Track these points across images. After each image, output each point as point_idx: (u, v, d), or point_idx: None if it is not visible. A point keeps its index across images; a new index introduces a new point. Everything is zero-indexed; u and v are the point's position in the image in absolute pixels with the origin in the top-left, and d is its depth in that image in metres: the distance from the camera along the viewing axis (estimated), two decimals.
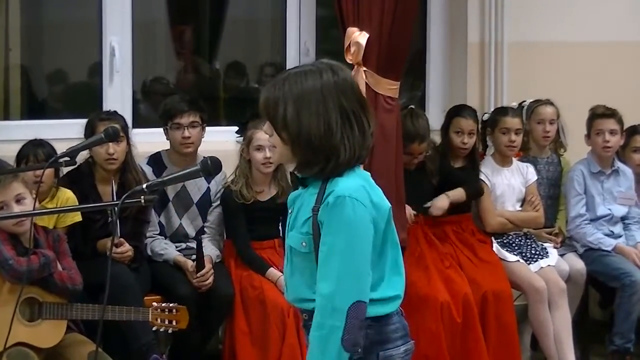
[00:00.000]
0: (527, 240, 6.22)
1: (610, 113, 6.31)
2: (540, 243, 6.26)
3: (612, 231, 6.35)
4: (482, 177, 6.18)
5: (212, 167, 3.35)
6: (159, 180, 3.39)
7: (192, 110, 5.71)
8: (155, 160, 5.82)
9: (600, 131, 6.30)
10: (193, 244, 5.69)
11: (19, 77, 6.70)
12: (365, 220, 3.14)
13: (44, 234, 5.07)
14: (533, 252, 6.15)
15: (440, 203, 6.02)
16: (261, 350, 5.44)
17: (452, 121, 6.17)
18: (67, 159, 4.20)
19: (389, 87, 5.60)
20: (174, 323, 5.18)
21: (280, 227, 5.69)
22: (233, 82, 7.35)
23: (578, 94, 6.73)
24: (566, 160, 6.55)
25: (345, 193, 3.13)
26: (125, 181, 5.52)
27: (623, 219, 6.42)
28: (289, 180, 5.65)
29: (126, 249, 5.42)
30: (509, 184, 6.23)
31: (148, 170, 5.71)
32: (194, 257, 5.59)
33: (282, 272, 5.21)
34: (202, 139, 5.76)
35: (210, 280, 5.53)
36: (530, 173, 6.28)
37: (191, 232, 5.82)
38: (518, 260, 6.09)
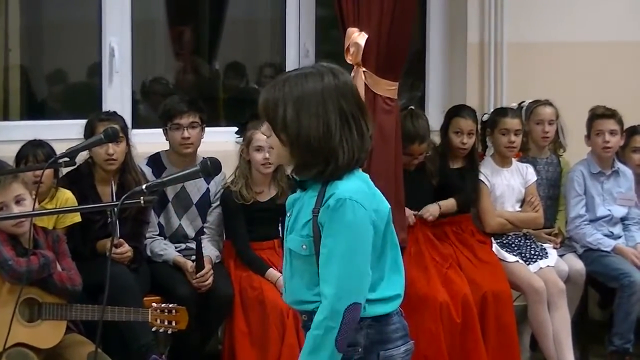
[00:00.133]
0: (527, 241, 6.22)
1: (610, 113, 6.31)
2: (540, 243, 6.26)
3: (611, 232, 6.35)
4: (481, 177, 6.18)
5: (211, 167, 3.35)
6: (159, 180, 3.39)
7: (192, 110, 5.71)
8: (155, 160, 5.82)
9: (600, 132, 6.30)
10: (192, 245, 5.70)
11: (18, 77, 6.70)
12: (365, 222, 3.15)
13: (43, 234, 5.07)
14: (532, 252, 6.15)
15: (432, 210, 6.03)
16: (260, 350, 5.44)
17: (451, 121, 6.17)
18: (66, 159, 4.20)
19: (387, 88, 5.60)
20: (173, 324, 5.18)
21: (280, 228, 5.69)
22: (232, 82, 7.35)
23: (578, 94, 6.73)
24: (565, 161, 6.55)
25: (346, 195, 3.14)
26: (124, 182, 5.52)
27: (623, 219, 6.42)
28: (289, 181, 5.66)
29: (126, 249, 5.42)
30: (508, 185, 6.23)
31: (147, 171, 5.71)
32: (193, 257, 5.59)
33: (281, 273, 5.21)
34: (202, 140, 5.76)
35: (210, 280, 5.53)
36: (529, 174, 6.28)
37: (190, 232, 5.82)
38: (517, 261, 6.09)
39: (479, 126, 6.28)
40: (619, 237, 6.35)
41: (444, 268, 5.89)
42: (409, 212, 5.92)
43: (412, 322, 5.54)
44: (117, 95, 6.22)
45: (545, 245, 6.27)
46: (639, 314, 6.16)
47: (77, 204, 5.41)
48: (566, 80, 6.83)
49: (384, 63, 5.56)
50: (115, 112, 5.68)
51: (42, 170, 4.72)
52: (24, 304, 4.88)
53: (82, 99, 6.76)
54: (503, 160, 6.24)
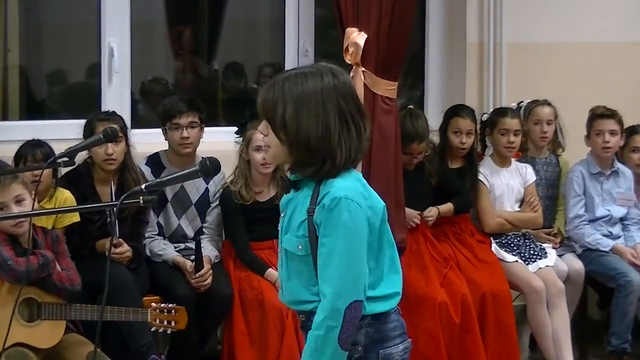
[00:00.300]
0: (526, 241, 6.23)
1: (610, 113, 6.31)
2: (539, 243, 6.26)
3: (610, 232, 6.35)
4: (480, 177, 6.18)
5: (210, 167, 3.35)
6: (158, 180, 3.38)
7: (191, 110, 5.71)
8: (154, 160, 5.82)
9: (600, 132, 6.30)
10: (192, 245, 5.70)
11: (17, 77, 6.70)
12: (362, 220, 3.16)
13: (42, 234, 5.07)
14: (532, 252, 6.15)
15: (432, 213, 6.02)
16: (260, 350, 5.44)
17: (450, 121, 6.17)
18: (65, 159, 4.20)
19: (387, 88, 5.60)
20: (172, 323, 5.18)
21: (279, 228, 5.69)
22: (232, 82, 7.36)
23: (577, 94, 6.72)
24: (564, 161, 6.55)
25: (341, 194, 3.14)
26: (124, 181, 5.51)
27: (622, 219, 6.42)
28: None
29: (125, 249, 5.42)
30: (507, 185, 6.23)
31: (147, 171, 5.72)
32: (192, 257, 5.59)
33: None
34: (201, 140, 5.77)
35: (209, 280, 5.53)
36: (529, 174, 6.28)
37: (190, 232, 5.82)
38: (517, 261, 6.09)
39: (479, 126, 6.29)
40: (618, 237, 6.35)
41: (443, 268, 5.89)
42: (414, 213, 5.91)
43: (412, 322, 5.57)
44: (117, 95, 6.22)
45: (544, 245, 6.27)
46: (637, 314, 6.17)
47: (76, 204, 5.41)
48: (565, 80, 6.83)
49: (384, 63, 5.56)
50: (114, 112, 5.68)
51: (41, 170, 4.73)
52: (23, 304, 4.88)
53: (82, 99, 6.76)
54: (502, 160, 6.24)
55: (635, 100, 6.84)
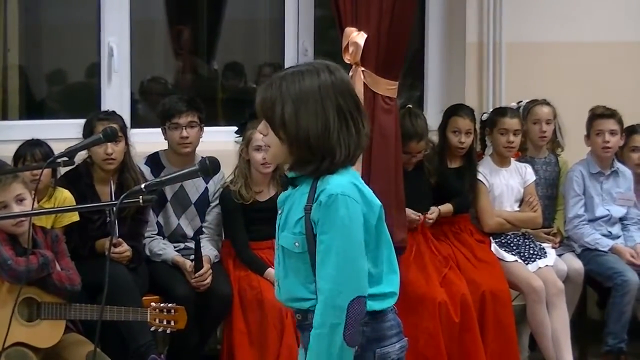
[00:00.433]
0: (526, 240, 6.23)
1: (610, 113, 6.31)
2: (539, 243, 6.26)
3: (610, 232, 6.35)
4: (480, 177, 6.18)
5: (210, 167, 3.35)
6: (158, 180, 3.38)
7: (190, 110, 5.72)
8: (153, 160, 5.82)
9: (600, 131, 6.30)
10: (191, 244, 5.69)
11: (17, 77, 6.70)
12: (359, 215, 3.16)
13: (42, 234, 5.07)
14: (531, 252, 6.15)
15: (433, 215, 6.02)
16: (259, 350, 5.44)
17: (449, 120, 6.17)
18: (65, 159, 4.20)
19: (387, 87, 5.60)
20: (172, 323, 5.18)
21: None
22: (231, 82, 7.36)
23: (577, 94, 6.73)
24: (564, 160, 6.55)
25: (338, 191, 3.15)
26: (123, 181, 5.52)
27: (622, 219, 6.42)
28: None
29: (124, 249, 5.42)
30: (507, 185, 6.23)
31: (146, 170, 5.72)
32: (192, 257, 5.59)
33: None
34: (200, 139, 5.77)
35: (209, 280, 5.53)
36: (528, 174, 6.28)
37: (189, 232, 5.82)
38: (516, 260, 6.09)
39: (479, 126, 6.29)
40: (618, 237, 6.35)
41: (442, 267, 5.89)
42: (413, 216, 5.90)
43: (411, 321, 5.59)
44: (116, 95, 6.22)
45: (544, 244, 6.27)
46: (635, 313, 6.17)
47: (75, 204, 5.41)
48: (565, 80, 6.83)
49: (384, 62, 5.56)
50: (114, 112, 5.68)
51: (41, 170, 4.73)
52: (23, 304, 4.88)
53: (81, 99, 6.76)
54: (502, 160, 6.25)
55: (635, 100, 6.84)
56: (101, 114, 5.65)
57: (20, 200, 4.91)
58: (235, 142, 5.90)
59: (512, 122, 6.16)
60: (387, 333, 3.27)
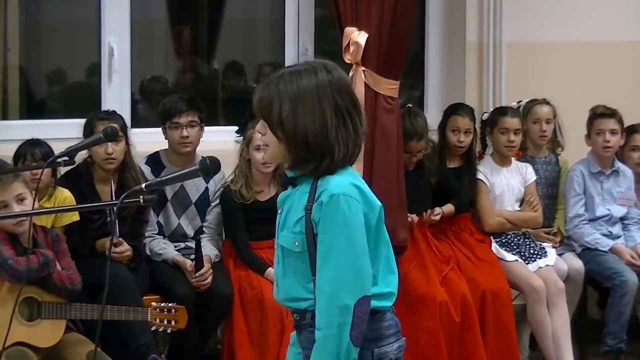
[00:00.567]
0: (526, 240, 6.23)
1: (611, 113, 6.31)
2: (539, 243, 6.26)
3: (610, 231, 6.35)
4: (481, 176, 6.18)
5: (210, 167, 3.35)
6: (158, 179, 3.39)
7: (191, 109, 5.72)
8: (154, 159, 5.82)
9: (600, 131, 6.30)
10: (192, 244, 5.69)
11: (17, 77, 6.70)
12: (360, 215, 3.16)
13: (42, 233, 5.07)
14: (532, 251, 6.15)
15: (437, 218, 6.02)
16: (259, 350, 5.44)
17: (449, 119, 6.17)
18: (65, 158, 4.20)
19: (388, 87, 5.60)
20: (172, 323, 5.18)
21: None
22: (231, 82, 7.36)
23: (577, 94, 6.73)
24: (564, 160, 6.55)
25: (339, 191, 3.15)
26: (124, 181, 5.52)
27: (622, 219, 6.42)
28: None
29: (125, 248, 5.42)
30: (508, 184, 6.23)
31: (146, 170, 5.72)
32: (192, 256, 5.59)
33: None
34: (201, 139, 5.77)
35: (209, 280, 5.53)
36: (529, 173, 6.28)
37: (190, 231, 5.82)
38: (516, 260, 6.09)
39: (479, 125, 6.29)
40: (618, 236, 6.35)
41: (443, 267, 5.88)
42: (409, 215, 5.90)
43: (412, 321, 5.59)
44: (116, 95, 6.22)
45: (544, 244, 6.27)
46: (635, 313, 6.17)
47: (75, 203, 5.41)
48: (565, 79, 6.83)
49: (385, 62, 5.56)
50: (114, 112, 5.68)
51: (41, 169, 4.73)
52: (23, 303, 4.88)
53: (81, 99, 6.76)
54: (502, 160, 6.25)
55: (635, 99, 6.84)
56: (101, 114, 5.65)
57: (20, 199, 4.91)
58: (236, 141, 5.90)
59: (512, 122, 6.16)
60: (385, 333, 3.27)
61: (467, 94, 6.72)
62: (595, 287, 6.40)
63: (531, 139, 6.42)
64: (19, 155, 5.38)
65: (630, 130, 6.46)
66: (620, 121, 6.32)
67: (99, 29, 6.23)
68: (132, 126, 5.86)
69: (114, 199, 5.41)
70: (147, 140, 5.90)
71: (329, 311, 3.13)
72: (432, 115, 6.53)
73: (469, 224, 6.20)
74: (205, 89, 7.33)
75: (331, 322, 3.12)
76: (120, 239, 5.41)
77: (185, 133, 5.68)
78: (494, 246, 6.14)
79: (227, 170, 5.60)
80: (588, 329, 6.36)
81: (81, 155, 5.31)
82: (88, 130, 5.46)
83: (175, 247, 5.76)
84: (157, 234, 5.75)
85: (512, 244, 6.17)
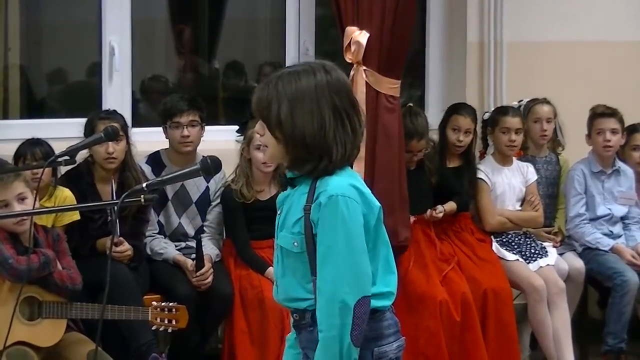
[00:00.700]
0: (527, 240, 6.22)
1: (611, 112, 6.31)
2: (540, 242, 6.26)
3: (611, 231, 6.35)
4: (482, 176, 6.18)
5: (211, 166, 3.35)
6: (159, 179, 3.39)
7: (192, 109, 5.72)
8: (154, 159, 5.82)
9: (601, 130, 6.30)
10: (192, 243, 5.70)
11: (18, 76, 6.70)
12: (359, 216, 3.16)
13: (43, 233, 5.07)
14: (532, 251, 6.15)
15: (440, 215, 6.02)
16: (260, 349, 5.44)
17: (450, 118, 6.18)
18: (66, 158, 4.20)
19: (390, 86, 5.60)
20: (173, 322, 5.18)
21: None
22: (232, 81, 7.36)
23: (577, 93, 6.73)
24: (564, 159, 6.55)
25: (338, 192, 3.15)
26: (124, 180, 5.52)
27: (623, 218, 6.41)
28: None
29: (125, 248, 5.42)
30: (509, 184, 6.23)
31: (147, 169, 5.72)
32: (193, 256, 5.59)
33: None
34: (202, 138, 5.77)
35: (210, 279, 5.53)
36: (530, 173, 6.28)
37: (190, 231, 5.82)
38: (517, 260, 6.09)
39: (480, 125, 6.29)
40: (619, 236, 6.35)
41: (445, 268, 5.88)
42: None
43: (412, 320, 5.59)
44: (117, 94, 6.22)
45: (545, 244, 6.27)
46: (635, 313, 6.16)
47: (75, 203, 5.41)
48: (566, 79, 6.83)
49: (387, 61, 5.56)
50: (115, 111, 5.68)
51: (42, 169, 4.73)
52: (24, 303, 4.88)
53: (82, 98, 6.76)
54: (504, 159, 6.25)
55: (636, 98, 6.84)
56: (102, 113, 5.65)
57: (21, 199, 4.91)
58: (237, 141, 5.90)
59: (513, 121, 6.17)
60: (384, 332, 3.27)
61: (467, 93, 6.72)
62: (596, 286, 6.40)
63: (532, 138, 6.42)
64: (19, 154, 5.38)
65: (631, 130, 6.46)
66: (621, 120, 6.32)
67: (100, 29, 6.23)
68: (133, 125, 5.86)
69: (114, 198, 5.41)
70: (148, 140, 5.90)
71: (329, 312, 3.13)
72: (433, 115, 6.53)
73: (470, 223, 6.20)
74: (206, 88, 7.33)
75: (332, 323, 3.12)
76: (121, 238, 5.41)
77: (186, 132, 5.68)
78: (495, 245, 6.14)
79: (228, 169, 5.60)
80: (589, 328, 6.36)
81: (82, 155, 5.31)
82: (89, 130, 5.46)
83: (175, 246, 5.76)
84: (157, 233, 5.76)
85: (513, 244, 6.17)
